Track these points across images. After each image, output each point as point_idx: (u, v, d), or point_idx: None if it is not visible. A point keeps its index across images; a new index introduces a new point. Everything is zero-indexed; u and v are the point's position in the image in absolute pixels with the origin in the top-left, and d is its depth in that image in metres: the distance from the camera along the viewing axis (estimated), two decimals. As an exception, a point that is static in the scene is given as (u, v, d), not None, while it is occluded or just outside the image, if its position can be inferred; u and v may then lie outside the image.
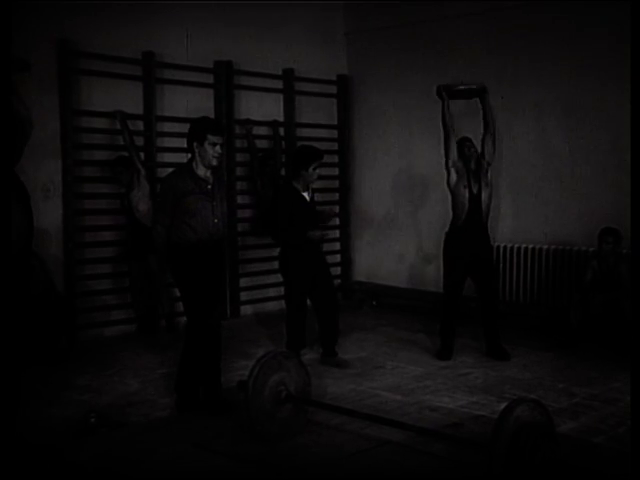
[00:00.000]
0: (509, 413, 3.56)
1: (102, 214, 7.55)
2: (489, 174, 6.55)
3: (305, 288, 6.39)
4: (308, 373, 4.79)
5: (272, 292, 8.82)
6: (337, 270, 9.20)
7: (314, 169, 6.25)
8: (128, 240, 7.48)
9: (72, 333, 7.04)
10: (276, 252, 9.04)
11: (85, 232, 7.43)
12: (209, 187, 5.03)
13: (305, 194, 6.35)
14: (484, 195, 6.53)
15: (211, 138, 4.93)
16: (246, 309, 8.70)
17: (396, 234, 9.19)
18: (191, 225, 4.96)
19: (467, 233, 6.56)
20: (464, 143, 6.53)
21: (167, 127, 7.93)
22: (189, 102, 8.07)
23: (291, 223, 6.25)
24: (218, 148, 4.96)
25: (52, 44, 7.07)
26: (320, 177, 6.49)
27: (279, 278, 8.89)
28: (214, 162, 4.98)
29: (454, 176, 6.54)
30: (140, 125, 7.76)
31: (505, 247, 8.04)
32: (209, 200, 5.02)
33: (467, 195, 6.50)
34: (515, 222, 8.11)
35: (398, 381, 6.00)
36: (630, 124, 3.60)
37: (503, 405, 4.28)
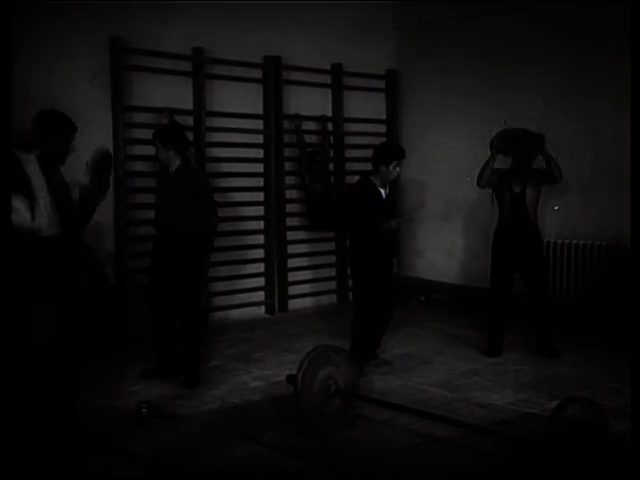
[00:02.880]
0: (562, 411, 3.52)
1: (152, 208, 7.62)
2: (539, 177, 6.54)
3: (374, 286, 6.12)
4: (357, 368, 4.80)
5: (321, 286, 8.86)
6: (385, 265, 9.18)
7: (394, 167, 6.08)
8: None
9: (123, 325, 7.16)
10: (324, 247, 9.05)
11: (137, 226, 7.52)
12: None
13: (382, 190, 6.15)
14: (529, 194, 6.49)
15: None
16: (294, 303, 8.74)
17: (445, 230, 9.13)
18: None
19: (513, 231, 6.53)
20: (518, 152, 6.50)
21: (216, 122, 8.00)
22: (238, 97, 8.13)
23: (365, 217, 6.10)
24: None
25: (105, 41, 7.17)
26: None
27: (327, 272, 9.01)
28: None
29: (495, 179, 6.58)
30: (190, 120, 7.83)
31: (555, 243, 7.94)
32: None
33: (508, 195, 6.50)
34: (565, 218, 8.00)
35: (446, 377, 5.98)
36: (630, 124, 3.55)
37: (553, 403, 4.25)
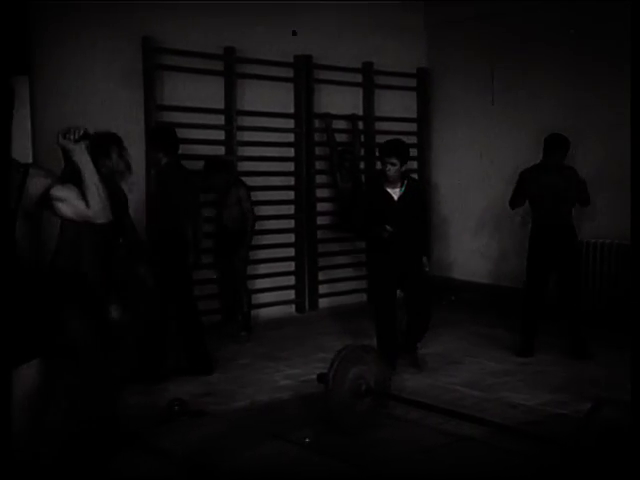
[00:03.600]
0: (595, 413, 3.49)
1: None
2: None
3: (387, 286, 6.08)
4: (387, 367, 4.80)
5: (351, 285, 8.86)
6: (415, 264, 9.16)
7: (386, 164, 5.90)
8: (217, 239, 7.54)
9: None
10: (355, 246, 9.03)
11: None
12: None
13: (391, 190, 5.97)
14: (564, 191, 6.43)
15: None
16: (325, 302, 8.75)
17: (475, 229, 9.09)
18: None
19: (549, 230, 6.47)
20: (551, 147, 6.44)
21: (247, 121, 8.03)
22: (269, 96, 8.16)
23: (360, 218, 6.04)
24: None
25: (137, 41, 7.23)
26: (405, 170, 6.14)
27: (358, 271, 9.01)
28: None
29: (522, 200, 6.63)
30: (221, 119, 7.88)
31: (595, 243, 7.81)
32: None
33: (544, 193, 6.43)
34: (602, 218, 7.89)
35: (476, 377, 5.96)
36: (630, 124, 3.50)
37: (584, 405, 4.22)
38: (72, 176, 3.03)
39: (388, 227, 5.81)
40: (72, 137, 2.97)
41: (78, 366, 4.33)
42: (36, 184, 2.93)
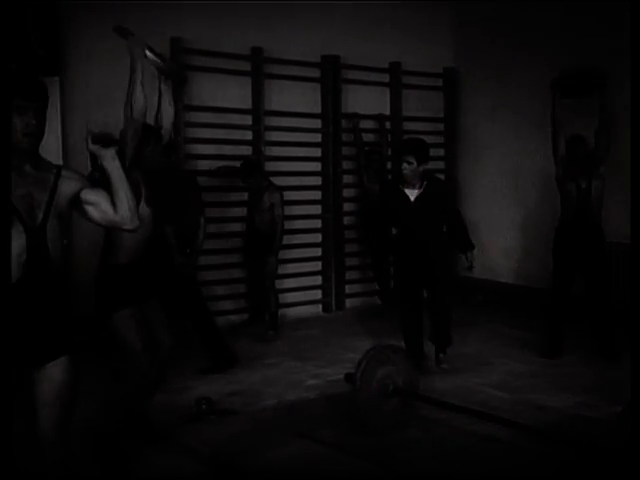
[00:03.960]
0: (630, 417, 3.44)
1: (212, 207, 7.73)
2: (602, 169, 6.37)
3: (409, 287, 6.06)
4: (416, 368, 4.79)
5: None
6: (442, 265, 9.13)
7: (402, 163, 5.82)
8: (248, 240, 7.58)
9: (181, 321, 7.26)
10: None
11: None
12: None
13: (408, 191, 5.88)
14: (594, 190, 6.36)
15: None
16: (351, 302, 8.75)
17: (503, 230, 9.03)
18: None
19: (576, 228, 6.41)
20: (574, 141, 6.37)
21: (274, 121, 8.06)
22: (296, 96, 8.18)
23: (374, 220, 6.03)
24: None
25: (166, 42, 7.26)
26: (425, 171, 6.06)
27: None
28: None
29: (562, 171, 6.41)
30: (249, 120, 7.91)
31: (619, 243, 7.73)
32: None
33: (575, 190, 6.38)
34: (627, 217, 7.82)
35: (505, 378, 5.93)
36: (630, 124, 3.46)
37: (614, 407, 4.17)
38: (100, 181, 3.06)
39: (393, 230, 5.79)
40: (100, 143, 3.00)
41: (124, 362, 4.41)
42: (68, 186, 2.97)
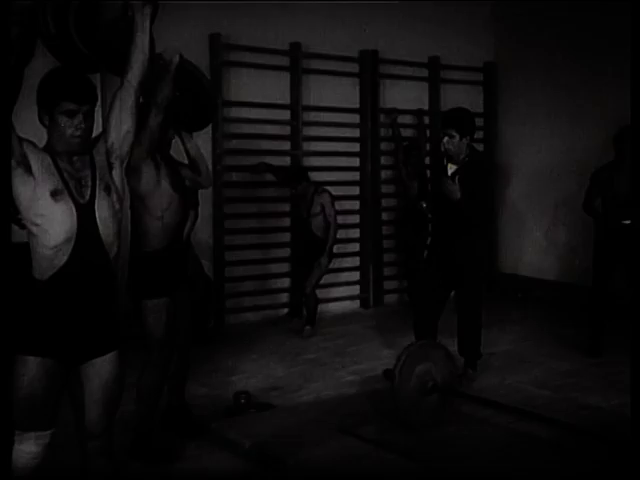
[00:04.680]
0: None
1: (250, 202, 7.76)
2: None
3: (428, 285, 5.54)
4: (455, 365, 4.75)
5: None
6: (481, 261, 9.06)
7: (444, 136, 5.31)
8: (298, 246, 7.66)
9: (220, 316, 7.29)
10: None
11: (236, 219, 7.62)
12: None
13: (448, 165, 5.38)
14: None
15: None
16: (390, 298, 8.71)
17: (543, 226, 8.93)
18: None
19: (618, 233, 6.30)
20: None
21: (313, 117, 8.04)
22: (335, 91, 8.15)
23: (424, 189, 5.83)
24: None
25: (204, 38, 7.29)
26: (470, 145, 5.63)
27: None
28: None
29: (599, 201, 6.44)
30: (287, 115, 7.90)
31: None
32: None
33: (616, 196, 6.28)
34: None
35: (545, 376, 5.85)
36: (630, 124, 3.37)
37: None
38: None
39: (423, 203, 5.51)
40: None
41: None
42: (98, 152, 3.01)
